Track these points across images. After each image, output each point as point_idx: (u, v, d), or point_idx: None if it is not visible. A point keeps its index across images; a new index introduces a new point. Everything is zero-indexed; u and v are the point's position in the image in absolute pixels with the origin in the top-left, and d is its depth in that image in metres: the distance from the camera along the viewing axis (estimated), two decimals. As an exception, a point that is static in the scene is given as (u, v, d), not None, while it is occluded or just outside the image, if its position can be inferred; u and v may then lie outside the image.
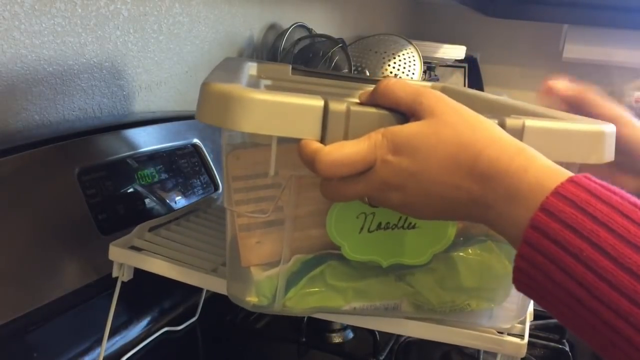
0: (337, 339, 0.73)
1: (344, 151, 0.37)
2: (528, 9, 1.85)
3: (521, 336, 0.47)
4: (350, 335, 0.74)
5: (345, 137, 0.38)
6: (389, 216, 0.44)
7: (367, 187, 0.38)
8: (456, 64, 1.72)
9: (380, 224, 0.44)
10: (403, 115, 0.39)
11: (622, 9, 1.76)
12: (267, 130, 0.37)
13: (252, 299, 0.46)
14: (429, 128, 0.37)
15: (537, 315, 0.78)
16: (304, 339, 0.70)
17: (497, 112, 0.56)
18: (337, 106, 0.38)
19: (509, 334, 0.48)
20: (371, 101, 0.40)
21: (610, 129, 0.42)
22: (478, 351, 0.73)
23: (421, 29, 2.14)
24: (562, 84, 0.59)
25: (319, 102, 0.37)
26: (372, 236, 0.44)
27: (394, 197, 0.38)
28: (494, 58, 2.08)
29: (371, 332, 0.68)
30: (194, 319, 0.74)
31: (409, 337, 0.73)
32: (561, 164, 0.36)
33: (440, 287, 0.47)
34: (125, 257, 0.56)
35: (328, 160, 0.37)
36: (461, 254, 0.47)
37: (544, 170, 0.35)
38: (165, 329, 0.70)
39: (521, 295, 0.45)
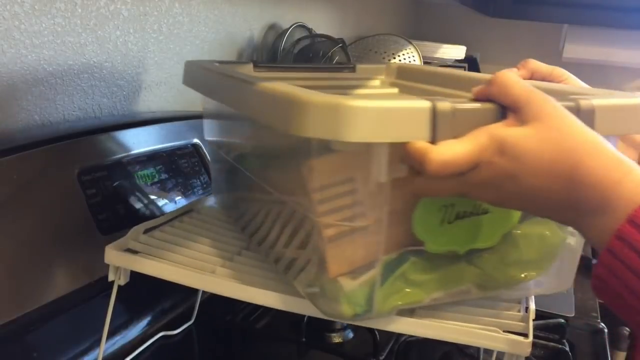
0: (337, 339, 0.73)
1: (454, 151, 0.37)
2: (528, 8, 1.85)
3: (525, 335, 0.48)
4: (350, 335, 0.74)
5: (454, 136, 0.38)
6: (466, 205, 0.45)
7: (467, 184, 0.39)
8: (456, 64, 1.72)
9: (458, 213, 0.45)
10: (503, 109, 0.40)
11: (622, 9, 1.76)
12: (378, 138, 0.37)
13: (349, 310, 0.45)
14: (535, 131, 0.37)
15: (537, 315, 0.78)
16: (304, 339, 0.70)
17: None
18: (444, 106, 0.38)
19: (513, 333, 0.48)
20: (485, 94, 0.41)
21: None
22: (478, 351, 0.73)
23: (421, 29, 2.14)
24: (515, 72, 0.60)
25: (426, 104, 0.38)
26: (451, 227, 0.46)
27: (489, 195, 0.39)
28: (494, 58, 2.08)
29: (371, 332, 0.68)
30: (190, 323, 0.73)
31: (409, 337, 0.73)
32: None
33: (503, 264, 0.49)
34: (122, 260, 0.54)
35: (440, 160, 0.37)
36: (520, 230, 0.49)
37: (638, 184, 0.36)
38: (162, 333, 0.69)
39: (567, 262, 0.51)
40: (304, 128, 0.37)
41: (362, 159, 0.41)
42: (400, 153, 0.38)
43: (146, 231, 0.59)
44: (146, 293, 0.68)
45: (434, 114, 0.37)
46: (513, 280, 0.51)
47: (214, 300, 0.72)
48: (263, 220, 0.56)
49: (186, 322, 0.73)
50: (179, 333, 0.71)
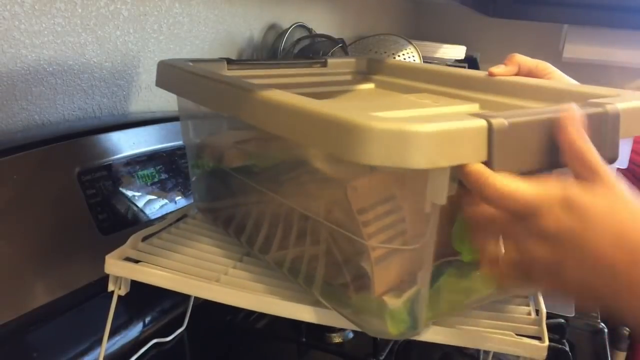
0: (337, 338, 0.73)
1: (517, 186, 0.36)
2: (528, 9, 1.85)
3: (540, 338, 0.47)
4: (350, 335, 0.74)
5: (509, 152, 0.37)
6: None
7: (526, 230, 0.37)
8: (456, 64, 1.72)
9: None
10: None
11: (622, 9, 1.76)
12: (441, 162, 0.36)
13: (394, 329, 0.44)
14: (607, 201, 0.36)
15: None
16: (304, 339, 0.70)
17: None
18: (499, 122, 0.37)
19: (527, 337, 0.47)
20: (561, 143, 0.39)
21: None
22: (478, 351, 0.73)
23: (421, 29, 2.14)
24: (503, 69, 0.60)
25: (482, 123, 0.37)
26: None
27: (544, 250, 0.37)
28: (494, 58, 2.07)
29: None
30: (182, 329, 0.72)
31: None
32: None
33: None
34: (124, 270, 0.52)
35: (499, 188, 0.36)
36: None
37: None
38: (154, 340, 0.68)
39: None
40: (366, 156, 0.35)
41: (406, 177, 0.40)
42: (452, 173, 0.37)
43: (144, 239, 0.58)
44: (136, 300, 0.67)
45: (491, 132, 0.37)
46: None
47: (207, 304, 0.71)
48: (278, 233, 0.54)
49: (178, 328, 0.72)
50: (171, 340, 0.70)
